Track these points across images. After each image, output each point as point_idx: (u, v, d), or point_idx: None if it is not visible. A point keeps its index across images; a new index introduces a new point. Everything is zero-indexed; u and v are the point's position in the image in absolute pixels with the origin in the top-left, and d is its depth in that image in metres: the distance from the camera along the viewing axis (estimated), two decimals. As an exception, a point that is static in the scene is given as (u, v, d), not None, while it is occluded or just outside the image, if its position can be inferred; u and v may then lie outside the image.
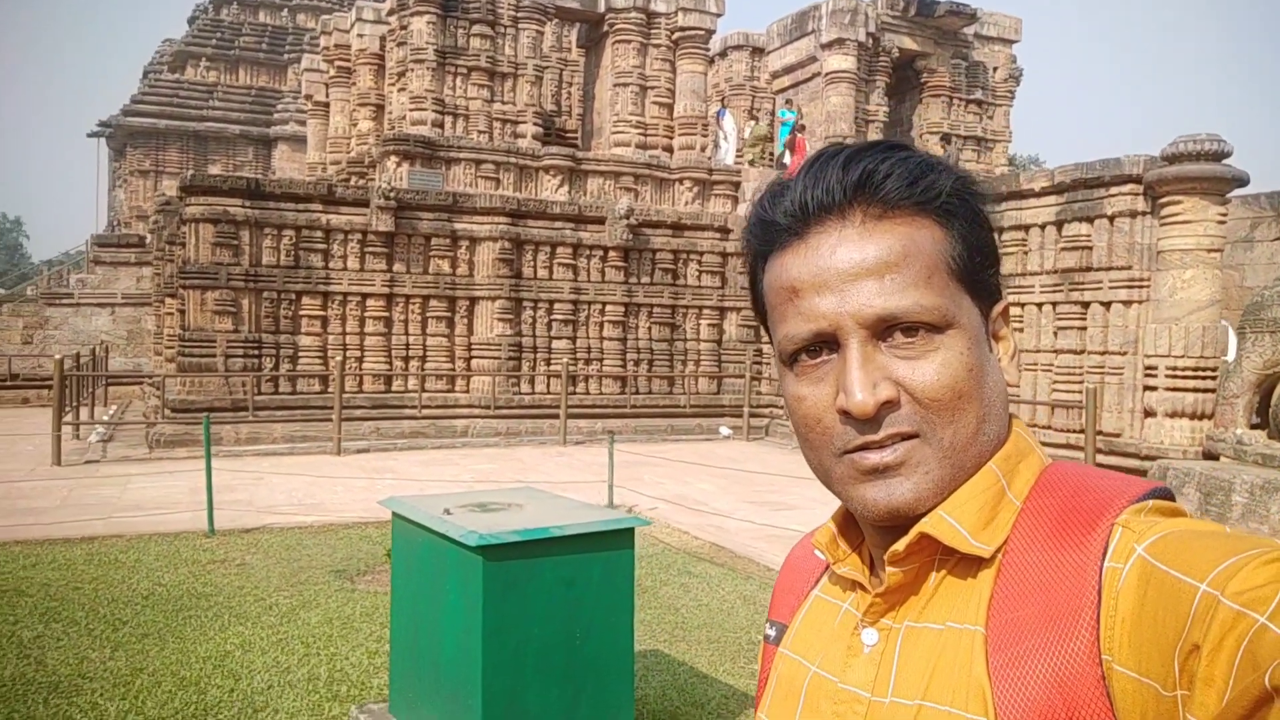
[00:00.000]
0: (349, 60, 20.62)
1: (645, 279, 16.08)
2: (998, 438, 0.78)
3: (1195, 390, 10.04)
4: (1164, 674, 0.62)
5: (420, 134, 16.17)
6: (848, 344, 0.74)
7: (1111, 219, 10.84)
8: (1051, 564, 0.70)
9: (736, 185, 17.99)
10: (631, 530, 4.14)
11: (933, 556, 0.77)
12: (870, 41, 18.89)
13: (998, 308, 0.80)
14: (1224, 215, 10.25)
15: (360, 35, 19.81)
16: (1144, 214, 10.59)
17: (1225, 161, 9.92)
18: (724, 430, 16.07)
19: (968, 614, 0.73)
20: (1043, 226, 11.64)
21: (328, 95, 22.24)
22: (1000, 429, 0.78)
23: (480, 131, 16.75)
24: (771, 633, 0.93)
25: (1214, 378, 9.87)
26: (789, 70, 20.22)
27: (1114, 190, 10.78)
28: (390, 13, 17.78)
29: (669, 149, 17.95)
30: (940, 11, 19.44)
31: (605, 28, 18.07)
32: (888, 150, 0.77)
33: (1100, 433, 10.59)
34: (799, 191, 0.77)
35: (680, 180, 17.68)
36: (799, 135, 18.40)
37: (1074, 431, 11.02)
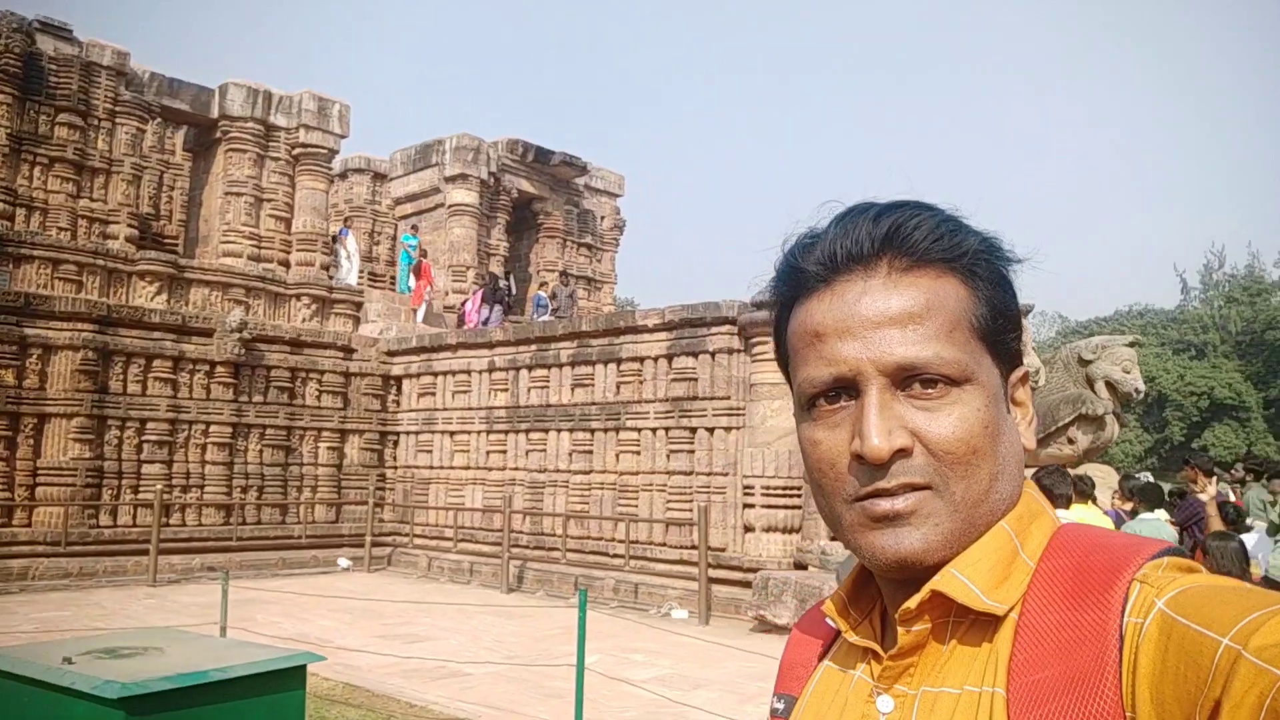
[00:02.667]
0: (-117, 131, 17.29)
1: (258, 397, 14.90)
2: (1010, 498, 0.78)
3: (786, 507, 11.40)
4: None
5: (-18, 224, 13.88)
6: (867, 390, 0.75)
7: (713, 355, 12.20)
8: (1071, 623, 0.70)
9: (359, 305, 17.55)
10: (303, 668, 3.77)
11: (946, 618, 0.76)
12: (492, 180, 19.89)
13: (1017, 373, 0.82)
14: (802, 355, 12.01)
15: (-97, 105, 16.77)
16: (739, 351, 12.06)
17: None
18: (343, 562, 15.09)
19: (985, 676, 0.72)
20: (655, 359, 12.78)
21: None
22: (1014, 490, 0.79)
23: (61, 229, 14.76)
24: (780, 705, 0.90)
25: (800, 496, 11.29)
26: (413, 198, 20.55)
27: (714, 330, 12.18)
28: (-51, 85, 15.33)
29: (285, 264, 17.12)
30: (555, 160, 21.03)
31: (218, 134, 17.07)
32: (918, 207, 0.79)
33: (710, 548, 11.56)
34: (829, 241, 0.79)
35: (298, 296, 16.86)
36: (423, 260, 18.58)
37: (688, 548, 11.92)
